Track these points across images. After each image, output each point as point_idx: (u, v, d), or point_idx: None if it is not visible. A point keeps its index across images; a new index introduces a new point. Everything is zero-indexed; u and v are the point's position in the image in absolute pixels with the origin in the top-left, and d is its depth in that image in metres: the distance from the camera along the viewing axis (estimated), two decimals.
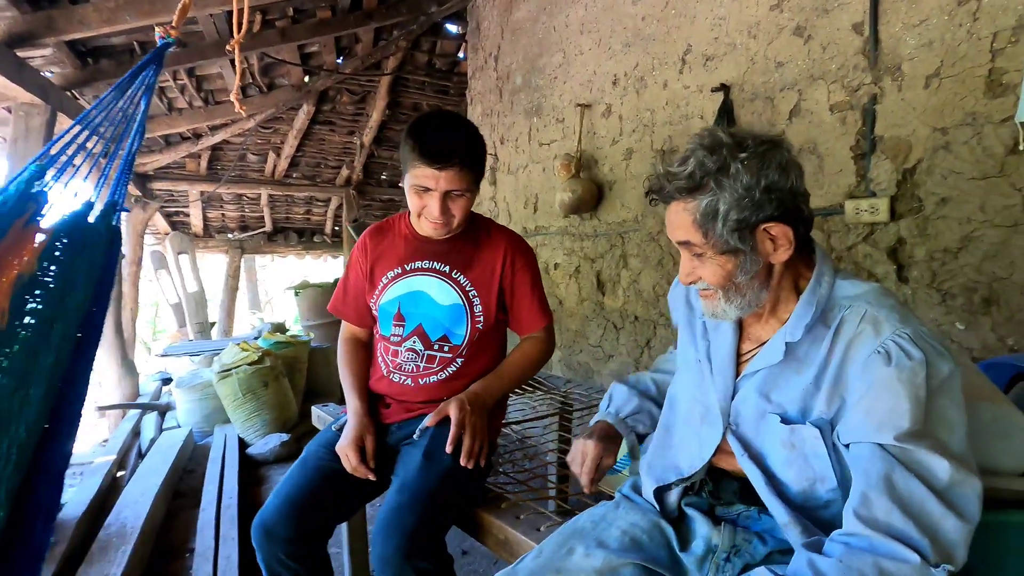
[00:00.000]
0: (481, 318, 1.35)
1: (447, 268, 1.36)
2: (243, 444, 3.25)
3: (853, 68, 1.72)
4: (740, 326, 0.93)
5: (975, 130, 1.46)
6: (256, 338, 4.15)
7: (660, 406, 1.06)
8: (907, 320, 0.76)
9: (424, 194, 1.24)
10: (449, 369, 1.37)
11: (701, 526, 0.91)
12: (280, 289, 10.04)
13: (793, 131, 1.90)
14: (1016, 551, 0.84)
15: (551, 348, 1.46)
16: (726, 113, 2.10)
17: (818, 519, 0.79)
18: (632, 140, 2.59)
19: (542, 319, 1.40)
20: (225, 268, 6.72)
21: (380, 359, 1.43)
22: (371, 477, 1.25)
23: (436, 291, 1.36)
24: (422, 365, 1.37)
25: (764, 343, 0.87)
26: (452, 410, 1.26)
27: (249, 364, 3.29)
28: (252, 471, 3.02)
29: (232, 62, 3.78)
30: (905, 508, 0.67)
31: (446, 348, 1.36)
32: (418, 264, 1.37)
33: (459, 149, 1.20)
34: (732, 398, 0.89)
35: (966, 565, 0.70)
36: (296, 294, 4.97)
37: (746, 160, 0.78)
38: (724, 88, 2.11)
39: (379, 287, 1.39)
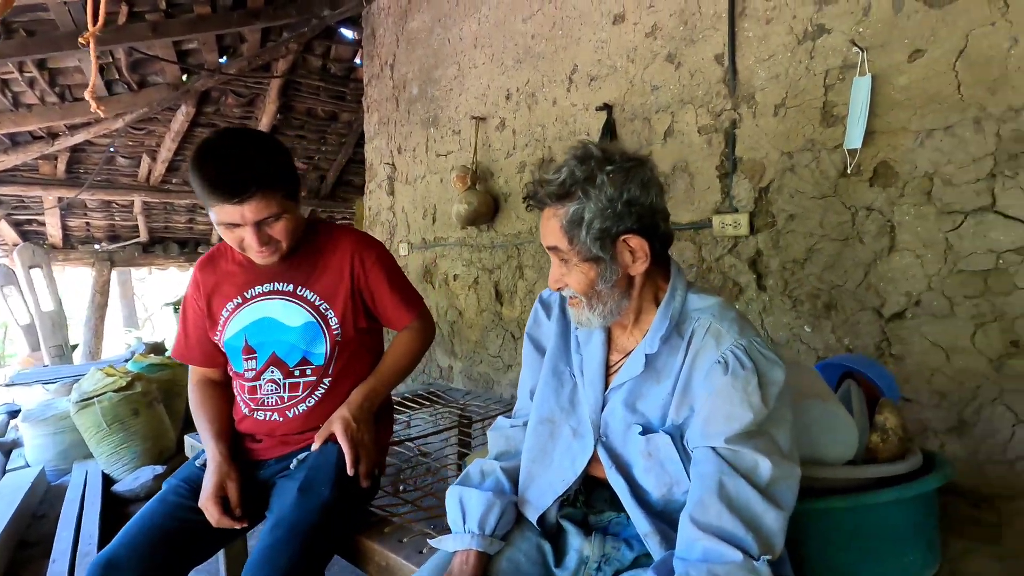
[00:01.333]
0: (339, 330, 1.28)
1: (291, 287, 1.28)
2: (109, 481, 2.92)
3: (716, 95, 1.88)
4: (609, 338, 0.97)
5: (814, 155, 1.65)
6: (127, 361, 3.75)
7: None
8: (744, 332, 0.84)
9: (235, 229, 1.14)
10: (317, 392, 1.29)
11: (574, 538, 0.94)
12: (160, 305, 9.18)
13: (667, 150, 2.04)
14: (841, 530, 0.94)
15: (429, 334, 1.41)
16: (609, 131, 2.21)
17: (676, 522, 0.84)
18: (525, 154, 2.65)
19: (410, 310, 1.36)
20: (91, 283, 6.02)
21: (239, 399, 1.33)
22: (237, 527, 1.16)
23: (283, 313, 1.27)
24: (286, 396, 1.28)
25: (629, 354, 0.92)
26: (338, 430, 1.20)
27: (115, 391, 2.96)
28: (119, 510, 2.71)
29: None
30: (732, 507, 0.75)
31: (308, 371, 1.28)
32: (259, 289, 1.28)
33: (254, 175, 1.09)
34: (602, 410, 0.93)
35: (800, 548, 0.78)
36: (175, 310, 4.56)
37: (611, 173, 0.84)
38: (607, 107, 2.22)
39: (220, 322, 1.29)
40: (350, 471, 1.15)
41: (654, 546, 0.84)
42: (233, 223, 1.13)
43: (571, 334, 1.01)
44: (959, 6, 1.37)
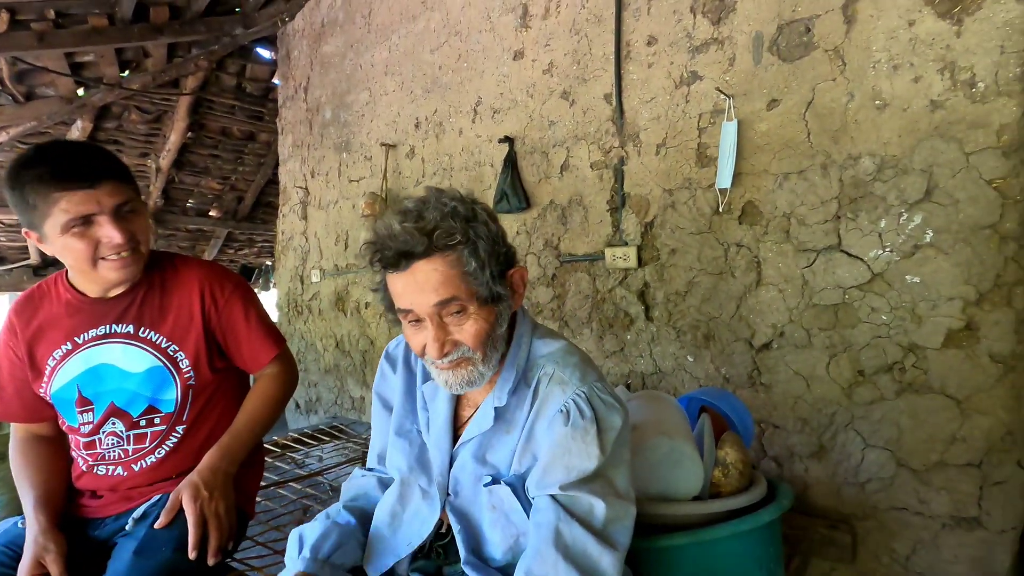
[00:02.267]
0: (192, 373, 1.18)
1: (131, 328, 1.15)
2: None
3: (606, 132, 1.95)
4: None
5: (691, 193, 1.73)
6: None
7: (366, 534, 0.95)
8: (585, 378, 0.84)
9: (88, 228, 1.03)
10: (168, 443, 1.18)
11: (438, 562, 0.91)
12: None
13: (564, 183, 2.09)
14: (683, 567, 0.96)
15: (292, 378, 1.31)
16: (511, 163, 2.24)
17: None
18: (434, 182, 2.64)
19: (269, 349, 1.24)
20: None
21: (75, 455, 1.20)
22: None
23: (124, 359, 1.15)
24: (130, 448, 1.17)
25: (479, 407, 0.90)
26: (185, 500, 1.06)
27: None
28: None
29: None
30: (568, 555, 0.75)
31: (157, 420, 1.17)
32: (93, 333, 1.15)
33: (104, 159, 1.04)
34: (451, 467, 0.90)
35: None
36: None
37: (481, 208, 0.82)
38: (509, 140, 2.26)
39: (46, 373, 1.15)
40: (192, 553, 1.02)
41: None
42: (87, 214, 1.01)
43: (416, 390, 0.96)
44: (806, 62, 1.49)
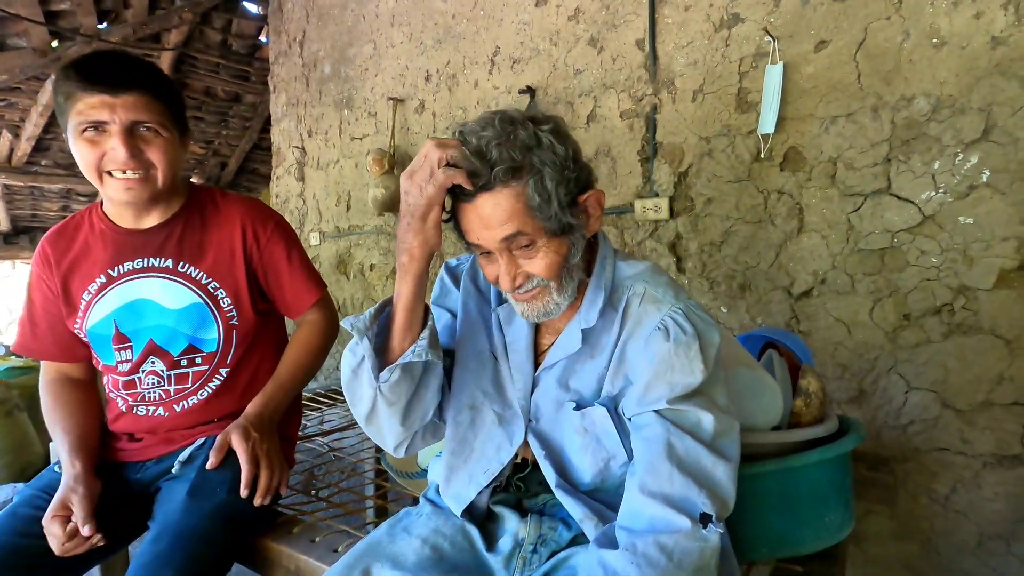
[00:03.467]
0: (234, 313, 1.12)
1: (170, 262, 1.09)
2: None
3: (638, 80, 1.90)
4: None
5: (729, 140, 1.70)
6: None
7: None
8: (679, 296, 0.81)
9: (99, 136, 0.98)
10: (212, 384, 1.13)
11: (509, 522, 0.88)
12: None
13: (591, 135, 2.03)
14: (772, 493, 0.95)
15: (334, 327, 1.26)
16: None
17: (614, 497, 0.80)
18: (447, 136, 2.56)
19: (312, 293, 1.19)
20: None
21: (113, 396, 1.14)
22: (92, 541, 0.96)
23: (162, 294, 1.10)
24: (172, 389, 1.11)
25: (560, 332, 0.85)
26: (236, 441, 1.03)
27: None
28: None
29: None
30: (683, 466, 0.72)
31: (198, 360, 1.12)
32: (130, 266, 1.09)
33: (138, 70, 0.99)
34: (532, 392, 0.86)
35: (733, 512, 0.77)
36: None
37: (548, 130, 0.75)
38: (530, 91, 2.19)
39: (81, 307, 1.10)
40: (244, 491, 1.00)
41: (590, 530, 0.79)
42: (98, 121, 0.96)
43: (489, 309, 0.92)
44: (858, 1, 1.45)
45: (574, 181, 0.75)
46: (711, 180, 1.75)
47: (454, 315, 0.93)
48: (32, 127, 4.49)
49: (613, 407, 0.81)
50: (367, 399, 0.80)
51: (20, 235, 5.47)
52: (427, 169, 0.72)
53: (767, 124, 1.58)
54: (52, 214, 5.54)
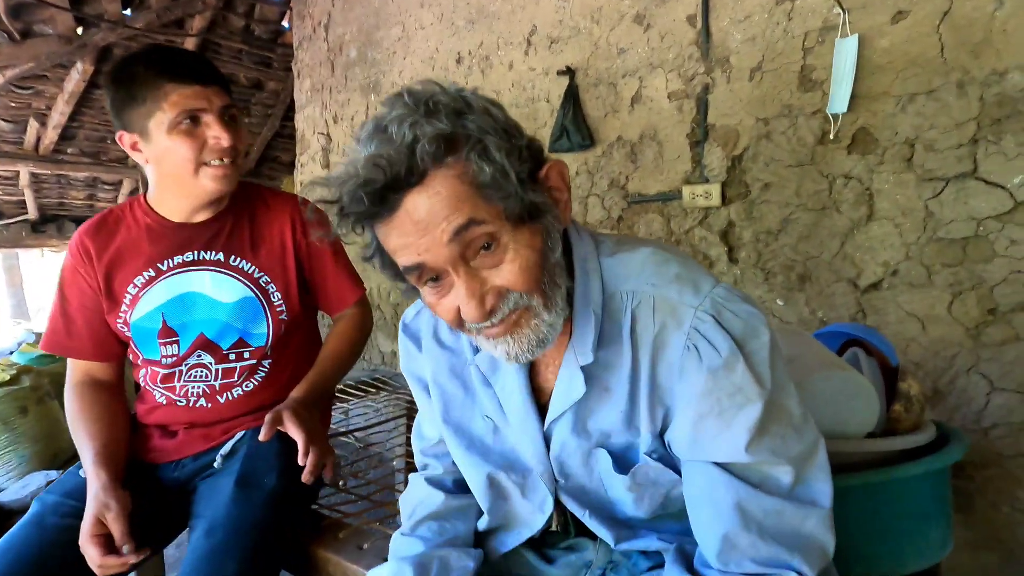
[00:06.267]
0: (283, 307, 1.11)
1: (221, 256, 1.08)
2: None
3: (688, 58, 1.79)
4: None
5: (791, 121, 1.59)
6: (12, 352, 3.25)
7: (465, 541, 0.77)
8: (700, 286, 0.61)
9: (195, 126, 0.98)
10: (256, 377, 1.11)
11: (571, 540, 0.79)
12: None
13: (635, 118, 1.93)
14: (864, 509, 0.86)
15: (369, 324, 1.26)
16: (572, 97, 2.07)
17: (680, 517, 0.68)
18: None
19: (354, 290, 1.19)
20: None
21: (148, 389, 1.11)
22: (132, 561, 0.92)
23: (213, 287, 1.08)
24: (218, 384, 1.09)
25: (558, 366, 0.67)
26: (287, 416, 0.97)
27: None
28: (5, 523, 2.31)
29: None
30: (765, 532, 0.59)
31: (246, 354, 1.10)
32: (179, 259, 1.07)
33: (207, 63, 1.02)
34: (548, 451, 0.70)
35: None
36: None
37: (469, 96, 0.57)
38: (569, 72, 2.09)
39: (126, 302, 1.06)
40: (302, 460, 0.95)
41: (671, 559, 0.67)
42: (196, 109, 0.96)
43: (465, 364, 0.73)
44: None
45: (526, 150, 0.58)
46: (769, 164, 1.64)
47: (428, 389, 0.78)
48: (58, 115, 4.48)
49: (663, 448, 0.66)
50: None
51: (48, 223, 5.51)
52: None
53: (839, 103, 1.46)
54: (79, 202, 5.57)
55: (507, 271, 0.56)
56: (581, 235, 0.66)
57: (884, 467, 0.86)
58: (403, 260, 0.56)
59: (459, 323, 0.59)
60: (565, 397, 0.65)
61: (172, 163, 0.99)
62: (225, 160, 1.00)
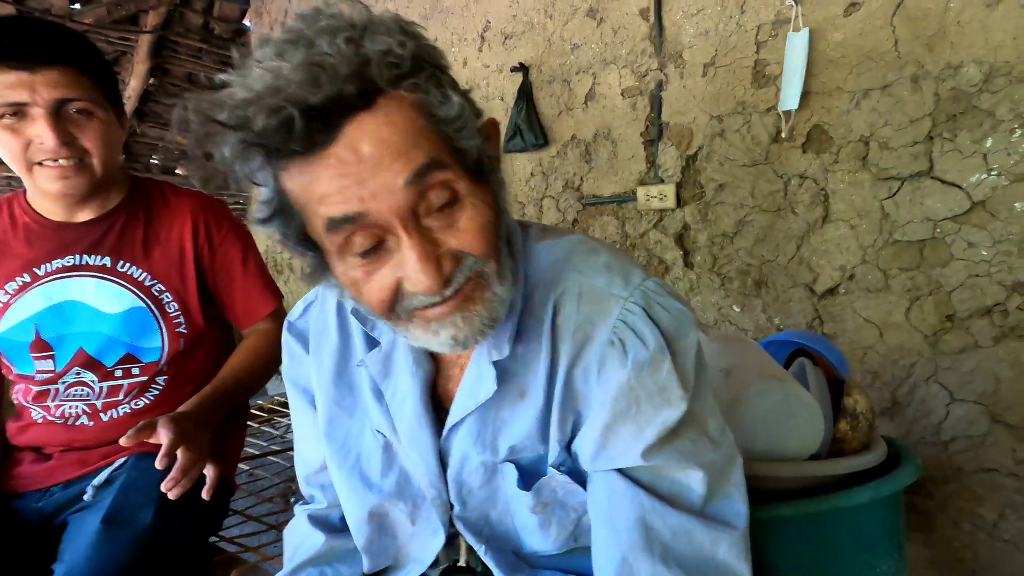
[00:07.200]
0: (182, 319, 0.99)
1: (107, 261, 0.96)
2: None
3: (641, 53, 1.71)
4: (432, 356, 0.60)
5: (745, 119, 1.51)
6: None
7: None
8: (629, 280, 0.55)
9: (20, 121, 0.84)
10: (148, 395, 0.99)
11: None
12: None
13: (589, 115, 1.85)
14: (803, 541, 0.77)
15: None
16: (526, 94, 1.99)
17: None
18: None
19: (268, 301, 1.06)
20: None
21: (21, 405, 1.00)
22: None
23: (96, 296, 0.96)
24: (99, 403, 0.97)
25: (464, 366, 0.58)
26: (162, 424, 0.84)
27: None
28: None
29: None
30: (670, 556, 0.50)
31: (135, 371, 0.98)
32: (58, 263, 0.95)
33: (57, 39, 0.84)
34: (444, 469, 0.60)
35: (756, 563, 0.57)
36: None
37: (407, 25, 0.47)
38: (523, 68, 2.00)
39: None
40: (159, 463, 0.79)
41: None
42: (17, 103, 0.82)
43: (349, 372, 0.63)
44: None
45: (467, 96, 0.49)
46: (723, 164, 1.56)
47: (313, 402, 0.68)
48: None
49: (571, 461, 0.57)
50: None
51: None
52: None
53: (790, 99, 1.39)
54: None
55: (466, 229, 0.47)
56: (506, 214, 0.57)
57: (826, 493, 0.77)
58: (334, 210, 0.43)
59: (390, 306, 0.48)
60: (470, 398, 0.56)
61: (6, 159, 0.87)
62: (60, 160, 0.86)
